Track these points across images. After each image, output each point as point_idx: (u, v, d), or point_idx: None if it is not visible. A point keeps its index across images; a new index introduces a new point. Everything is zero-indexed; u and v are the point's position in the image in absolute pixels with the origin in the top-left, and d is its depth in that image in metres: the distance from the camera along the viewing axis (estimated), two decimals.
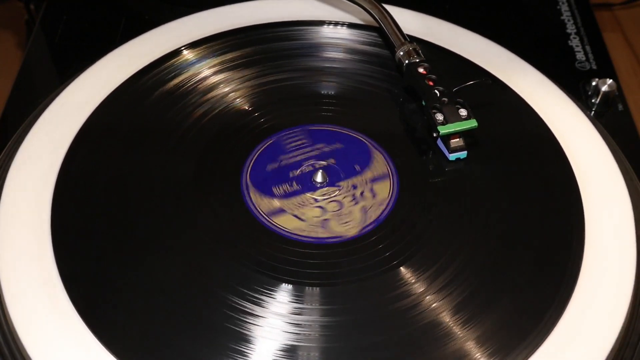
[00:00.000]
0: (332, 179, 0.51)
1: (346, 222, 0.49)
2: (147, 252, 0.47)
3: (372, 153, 0.52)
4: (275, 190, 0.50)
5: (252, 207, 0.49)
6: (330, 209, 0.49)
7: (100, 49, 0.58)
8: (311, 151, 0.52)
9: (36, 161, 0.50)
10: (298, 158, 0.52)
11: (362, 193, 0.50)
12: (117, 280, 0.45)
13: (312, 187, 0.51)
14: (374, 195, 0.50)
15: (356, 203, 0.50)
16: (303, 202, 0.50)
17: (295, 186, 0.51)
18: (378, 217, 0.49)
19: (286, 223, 0.48)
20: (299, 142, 0.53)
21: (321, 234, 0.48)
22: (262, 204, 0.49)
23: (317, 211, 0.49)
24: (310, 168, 0.51)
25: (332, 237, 0.48)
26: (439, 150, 0.52)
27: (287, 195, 0.50)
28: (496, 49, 0.60)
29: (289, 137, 0.53)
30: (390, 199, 0.49)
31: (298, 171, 0.51)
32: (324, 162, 0.52)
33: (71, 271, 0.45)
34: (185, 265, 0.46)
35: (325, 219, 0.49)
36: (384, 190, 0.50)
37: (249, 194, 0.50)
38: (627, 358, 0.45)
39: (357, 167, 0.51)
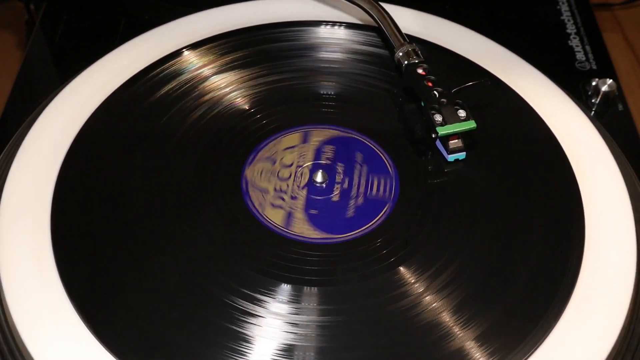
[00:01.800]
0: (332, 180, 0.51)
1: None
2: (147, 252, 0.47)
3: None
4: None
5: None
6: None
7: (100, 49, 0.58)
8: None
9: (36, 161, 0.50)
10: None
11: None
12: (117, 281, 0.45)
13: (316, 188, 0.51)
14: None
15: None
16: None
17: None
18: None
19: (274, 217, 0.49)
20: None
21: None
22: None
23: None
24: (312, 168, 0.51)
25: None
26: (438, 151, 0.52)
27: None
28: (496, 49, 0.60)
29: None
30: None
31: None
32: (326, 162, 0.52)
33: (71, 271, 0.45)
34: (185, 265, 0.46)
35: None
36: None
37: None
38: (627, 358, 0.45)
39: (358, 157, 0.51)
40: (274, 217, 0.49)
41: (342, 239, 0.48)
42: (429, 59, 0.55)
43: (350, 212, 0.49)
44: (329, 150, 0.52)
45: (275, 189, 0.50)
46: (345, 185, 0.51)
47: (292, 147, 0.52)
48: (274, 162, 0.51)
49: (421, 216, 0.49)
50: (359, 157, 0.52)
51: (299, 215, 0.49)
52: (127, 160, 0.51)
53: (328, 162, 0.52)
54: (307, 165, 0.52)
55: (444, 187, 0.51)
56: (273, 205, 0.49)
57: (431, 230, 0.48)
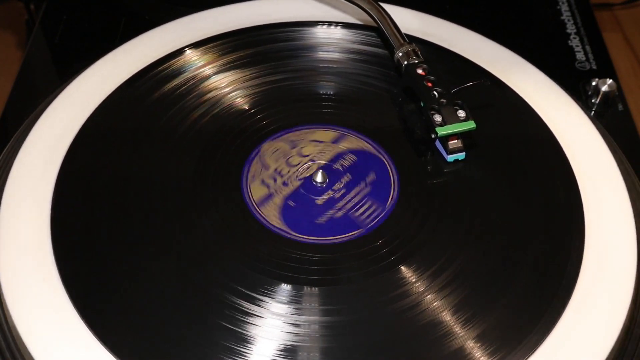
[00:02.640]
0: (331, 181, 0.51)
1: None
2: (147, 252, 0.47)
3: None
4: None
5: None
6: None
7: (100, 49, 0.58)
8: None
9: (37, 161, 0.50)
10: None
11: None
12: (117, 280, 0.45)
13: (310, 186, 0.51)
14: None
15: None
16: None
17: (297, 180, 0.51)
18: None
19: (255, 192, 0.49)
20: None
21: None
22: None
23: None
24: (315, 167, 0.51)
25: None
26: (438, 151, 0.52)
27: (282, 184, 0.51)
28: (496, 49, 0.60)
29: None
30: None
31: (303, 168, 0.51)
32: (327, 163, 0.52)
33: (71, 271, 0.45)
34: (185, 265, 0.46)
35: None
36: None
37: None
38: (627, 358, 0.45)
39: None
40: (256, 192, 0.49)
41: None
42: (428, 59, 0.55)
43: (321, 219, 0.49)
44: (348, 159, 0.52)
45: (275, 170, 0.50)
46: (338, 195, 0.50)
47: (320, 142, 0.52)
48: (294, 147, 0.52)
49: (421, 216, 0.49)
50: (370, 177, 0.51)
51: (277, 200, 0.49)
52: (127, 160, 0.51)
53: (340, 168, 0.52)
54: (318, 163, 0.52)
55: (444, 187, 0.51)
56: (262, 182, 0.50)
57: (431, 230, 0.48)
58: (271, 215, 0.49)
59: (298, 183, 0.51)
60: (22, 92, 0.61)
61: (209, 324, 0.43)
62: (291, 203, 0.50)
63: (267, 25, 0.60)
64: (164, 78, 0.56)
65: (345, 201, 0.50)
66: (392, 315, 0.44)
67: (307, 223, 0.49)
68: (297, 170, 0.51)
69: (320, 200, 0.50)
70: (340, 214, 0.49)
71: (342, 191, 0.51)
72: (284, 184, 0.50)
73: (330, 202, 0.50)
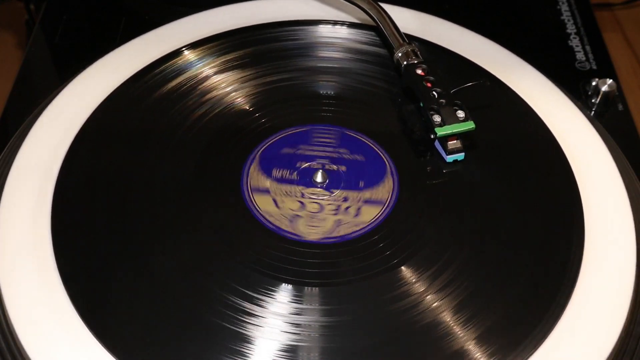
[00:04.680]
0: (330, 184, 0.51)
1: (313, 226, 0.48)
2: (147, 252, 0.47)
3: (385, 177, 0.51)
4: (274, 171, 0.51)
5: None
6: (308, 209, 0.49)
7: (100, 49, 0.58)
8: (331, 152, 0.52)
9: (36, 161, 0.50)
10: (314, 153, 0.52)
11: (347, 208, 0.50)
12: (117, 280, 0.45)
13: (308, 183, 0.51)
14: (356, 215, 0.49)
15: (336, 214, 0.49)
16: (290, 191, 0.50)
17: (293, 176, 0.51)
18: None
19: (262, 204, 0.49)
20: (326, 140, 0.53)
21: (284, 227, 0.48)
22: (254, 178, 0.50)
23: (296, 205, 0.49)
24: (319, 166, 0.51)
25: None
26: (437, 151, 0.52)
27: (280, 180, 0.50)
28: (496, 49, 0.60)
29: (321, 132, 0.53)
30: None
31: (306, 164, 0.51)
32: (334, 167, 0.52)
33: (71, 271, 0.45)
34: (185, 265, 0.46)
35: (297, 215, 0.49)
36: (369, 215, 0.49)
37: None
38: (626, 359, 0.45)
39: (361, 184, 0.51)
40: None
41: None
42: (428, 59, 0.55)
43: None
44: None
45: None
46: (339, 194, 0.50)
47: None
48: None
49: (421, 216, 0.49)
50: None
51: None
52: (127, 160, 0.51)
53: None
54: (318, 163, 0.52)
55: (444, 187, 0.51)
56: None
57: (430, 230, 0.48)
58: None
59: (295, 174, 0.51)
60: (22, 92, 0.61)
61: (209, 324, 0.43)
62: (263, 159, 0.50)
63: (267, 25, 0.60)
64: (164, 78, 0.56)
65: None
66: (392, 315, 0.44)
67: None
68: (297, 170, 0.51)
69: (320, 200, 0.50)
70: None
71: (342, 191, 0.51)
72: (284, 183, 0.50)
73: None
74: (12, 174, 0.50)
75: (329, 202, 0.50)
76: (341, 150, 0.53)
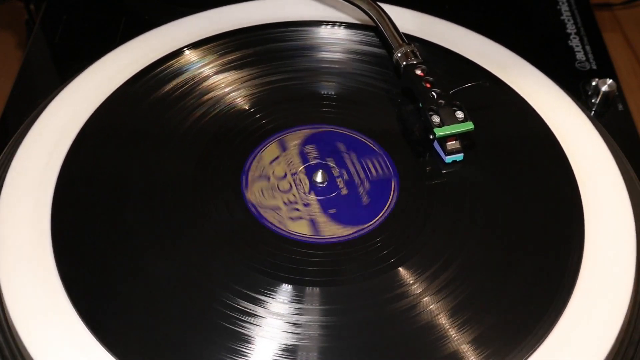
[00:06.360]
0: (330, 184, 0.51)
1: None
2: (147, 252, 0.47)
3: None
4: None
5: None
6: (308, 209, 0.49)
7: (100, 49, 0.58)
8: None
9: (36, 161, 0.50)
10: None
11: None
12: (117, 281, 0.45)
13: (308, 184, 0.51)
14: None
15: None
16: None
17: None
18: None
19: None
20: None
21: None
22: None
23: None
24: (319, 168, 0.51)
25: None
26: (437, 152, 0.52)
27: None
28: (496, 49, 0.60)
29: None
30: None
31: (306, 165, 0.52)
32: (334, 167, 0.52)
33: (71, 271, 0.45)
34: (185, 265, 0.46)
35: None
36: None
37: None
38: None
39: (361, 185, 0.51)
40: (300, 229, 0.48)
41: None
42: (427, 60, 0.55)
43: (365, 199, 0.49)
44: (312, 150, 0.52)
45: (284, 203, 0.50)
46: (346, 176, 0.51)
47: (276, 158, 0.52)
48: (269, 179, 0.51)
49: (420, 217, 0.49)
50: (341, 146, 0.52)
51: (321, 219, 0.49)
52: (127, 161, 0.51)
53: (317, 161, 0.52)
54: (300, 171, 0.51)
55: (443, 187, 0.51)
56: (292, 219, 0.49)
57: (430, 231, 0.48)
58: (336, 231, 0.48)
59: (313, 195, 0.50)
60: (22, 92, 0.61)
61: (209, 324, 0.43)
62: (332, 211, 0.49)
63: (267, 25, 0.60)
64: (164, 78, 0.56)
65: (356, 175, 0.51)
66: (390, 316, 0.44)
67: (361, 210, 0.49)
68: (297, 188, 0.51)
69: (343, 190, 0.50)
70: (367, 185, 0.50)
71: (344, 171, 0.51)
72: (305, 205, 0.50)
73: (350, 185, 0.50)
74: (12, 174, 0.50)
75: (329, 202, 0.50)
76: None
